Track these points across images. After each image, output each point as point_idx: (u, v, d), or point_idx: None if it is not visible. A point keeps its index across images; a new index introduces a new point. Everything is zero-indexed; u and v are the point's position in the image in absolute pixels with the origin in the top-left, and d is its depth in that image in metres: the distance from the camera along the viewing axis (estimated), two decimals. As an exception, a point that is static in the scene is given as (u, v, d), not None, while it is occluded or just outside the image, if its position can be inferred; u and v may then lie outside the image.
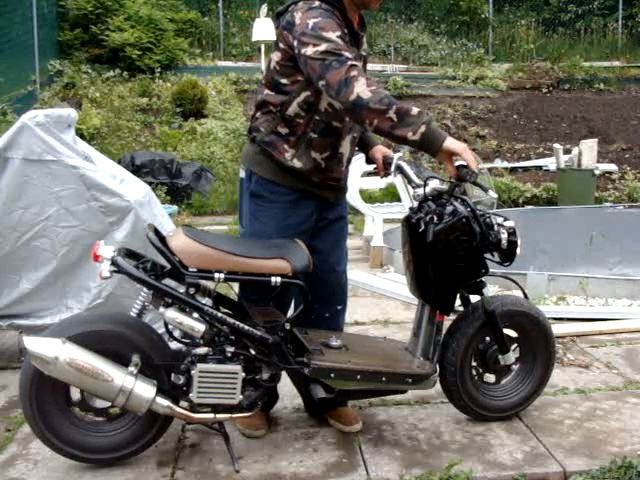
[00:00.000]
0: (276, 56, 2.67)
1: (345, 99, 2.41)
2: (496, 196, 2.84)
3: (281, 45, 2.64)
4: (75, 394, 2.62)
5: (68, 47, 12.01)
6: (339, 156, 2.76)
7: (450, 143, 2.47)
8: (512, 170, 10.06)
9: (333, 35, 2.46)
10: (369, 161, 3.10)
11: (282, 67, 2.65)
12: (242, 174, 2.88)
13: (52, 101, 10.12)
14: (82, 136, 7.37)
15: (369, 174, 8.26)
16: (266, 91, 2.70)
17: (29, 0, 10.69)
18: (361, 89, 2.39)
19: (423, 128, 2.41)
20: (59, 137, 3.35)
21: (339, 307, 3.00)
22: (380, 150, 3.03)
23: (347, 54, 2.44)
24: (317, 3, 2.58)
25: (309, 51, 2.47)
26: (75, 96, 10.77)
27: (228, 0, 14.73)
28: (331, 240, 2.91)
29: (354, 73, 2.41)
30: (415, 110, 2.42)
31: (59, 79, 11.27)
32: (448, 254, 2.75)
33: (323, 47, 2.44)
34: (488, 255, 2.85)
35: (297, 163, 2.69)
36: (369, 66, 11.26)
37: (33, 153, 3.30)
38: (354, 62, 2.44)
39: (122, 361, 2.55)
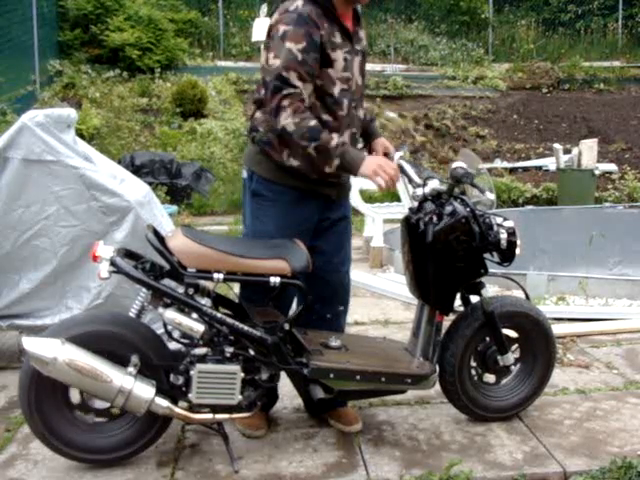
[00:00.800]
0: (265, 55, 2.68)
1: (275, 124, 2.57)
2: (494, 196, 2.85)
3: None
4: (75, 395, 2.62)
5: (68, 47, 12.00)
6: None
7: (364, 169, 2.56)
8: (512, 170, 10.06)
9: (295, 47, 2.51)
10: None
11: None
12: (244, 174, 2.89)
13: (52, 101, 10.11)
14: (82, 136, 7.36)
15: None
16: (262, 90, 2.70)
17: (29, 0, 10.68)
18: (287, 121, 2.51)
19: (337, 161, 2.56)
20: (59, 137, 3.35)
21: (341, 308, 3.00)
22: (381, 143, 3.00)
23: (292, 78, 2.50)
24: (296, 5, 2.59)
25: (269, 60, 2.57)
26: (75, 96, 10.77)
27: (228, 0, 14.73)
28: (335, 240, 2.91)
29: (285, 103, 2.50)
30: (333, 143, 2.53)
31: (59, 79, 11.26)
32: (447, 254, 2.75)
33: (278, 62, 2.53)
34: (488, 255, 2.85)
35: (294, 162, 2.69)
36: (369, 66, 11.19)
37: (33, 153, 3.30)
38: (291, 90, 2.51)
39: (121, 362, 2.55)
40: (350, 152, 2.58)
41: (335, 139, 2.55)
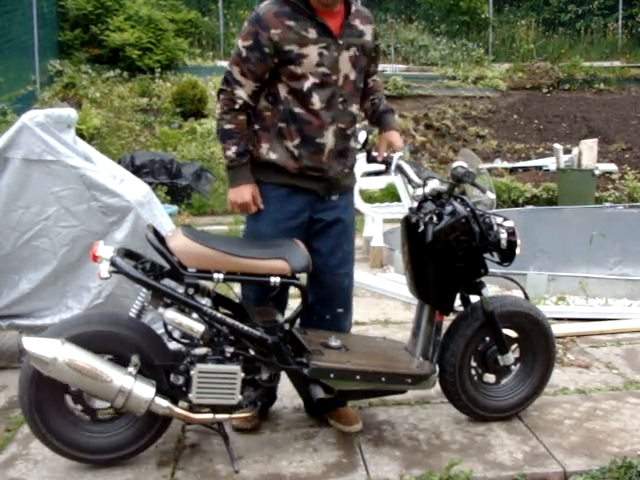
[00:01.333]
0: None
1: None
2: (494, 196, 2.84)
3: None
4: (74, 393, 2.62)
5: (68, 47, 11.99)
6: (318, 145, 2.74)
7: (230, 194, 2.78)
8: (512, 170, 10.05)
9: (242, 44, 2.69)
10: (369, 160, 3.09)
11: None
12: None
13: (52, 101, 10.10)
14: (82, 136, 7.35)
15: (369, 174, 8.29)
16: None
17: (29, 0, 10.68)
18: (217, 117, 2.77)
19: (225, 169, 2.83)
20: (59, 137, 3.35)
21: (340, 310, 2.97)
22: (386, 139, 2.98)
23: (234, 72, 2.70)
24: (263, 4, 2.73)
25: (232, 53, 2.79)
26: (75, 96, 10.76)
27: (228, 0, 14.72)
28: (330, 243, 2.89)
29: (220, 98, 2.74)
30: (228, 153, 2.73)
31: (59, 79, 11.25)
32: (447, 254, 2.75)
33: (231, 59, 2.74)
34: (488, 255, 2.85)
35: (273, 155, 2.74)
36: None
37: (33, 153, 3.30)
38: (226, 87, 2.71)
39: (121, 362, 2.55)
40: (236, 172, 2.74)
41: (231, 150, 2.71)
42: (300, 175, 2.76)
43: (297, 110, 2.70)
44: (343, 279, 2.94)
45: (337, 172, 2.83)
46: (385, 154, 2.96)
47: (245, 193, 2.74)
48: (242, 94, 2.69)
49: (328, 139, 2.75)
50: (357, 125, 2.90)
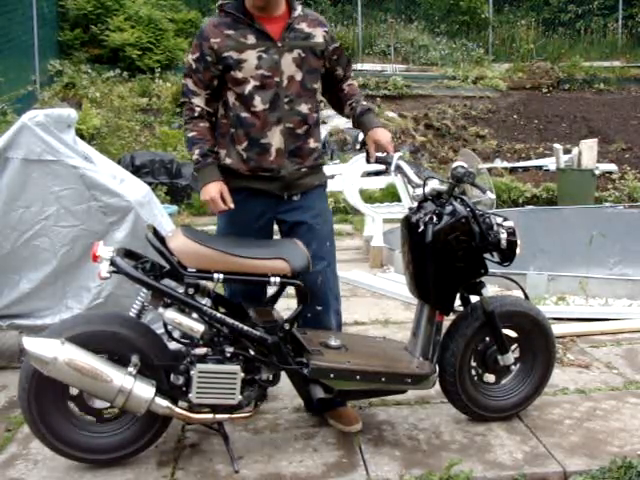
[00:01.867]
0: None
1: None
2: (494, 196, 2.85)
3: None
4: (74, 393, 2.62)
5: (68, 47, 12.00)
6: (263, 146, 2.83)
7: (202, 193, 2.85)
8: (512, 170, 10.05)
9: (191, 57, 2.87)
10: (369, 161, 3.09)
11: None
12: None
13: (52, 101, 10.10)
14: (82, 136, 7.35)
15: (369, 174, 8.29)
16: None
17: (29, 0, 10.68)
18: (183, 128, 2.93)
19: (196, 174, 2.95)
20: (59, 137, 3.35)
21: (319, 308, 2.95)
22: (373, 138, 2.96)
23: (189, 84, 2.86)
24: (206, 19, 2.92)
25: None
26: (75, 96, 10.76)
27: (228, 0, 14.71)
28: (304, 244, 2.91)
29: (183, 110, 2.90)
30: (193, 157, 2.86)
31: (59, 79, 11.25)
32: (447, 254, 2.75)
33: (184, 73, 2.92)
34: (488, 255, 2.85)
35: (228, 160, 2.88)
36: (369, 66, 11.11)
37: (33, 153, 3.30)
38: (185, 99, 2.89)
39: (121, 361, 2.55)
40: (202, 172, 2.85)
41: (195, 154, 2.84)
42: (253, 177, 2.87)
43: (243, 114, 2.83)
44: (316, 277, 2.91)
45: (291, 171, 2.87)
46: (378, 153, 2.96)
47: (212, 190, 2.81)
48: (199, 102, 2.85)
49: (274, 139, 2.83)
50: (312, 124, 2.92)
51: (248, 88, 2.80)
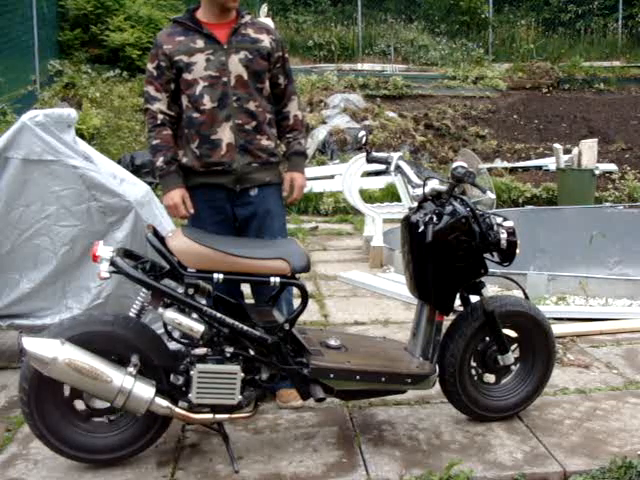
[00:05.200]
0: None
1: None
2: (494, 196, 2.85)
3: None
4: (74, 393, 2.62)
5: (68, 47, 11.99)
6: (214, 142, 3.00)
7: (164, 199, 3.05)
8: (512, 170, 10.04)
9: (150, 66, 3.05)
10: (369, 161, 3.10)
11: None
12: None
13: (52, 101, 10.10)
14: (82, 136, 7.35)
15: (369, 174, 8.29)
16: None
17: (29, 0, 10.67)
18: (147, 135, 3.09)
19: (159, 180, 3.09)
20: (59, 137, 3.36)
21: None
22: (291, 176, 3.18)
23: (150, 90, 3.02)
24: (163, 30, 3.14)
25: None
26: (75, 96, 10.75)
27: (228, 0, 14.70)
28: (251, 236, 3.09)
29: (145, 119, 3.09)
30: (157, 164, 3.03)
31: (59, 79, 11.25)
32: (447, 254, 2.75)
33: (145, 81, 3.10)
34: (488, 255, 2.85)
35: (184, 159, 3.05)
36: (369, 66, 11.10)
37: (33, 153, 3.30)
38: (147, 106, 3.04)
39: (121, 362, 2.55)
40: (166, 179, 3.03)
41: (159, 161, 3.01)
42: (207, 172, 3.03)
43: (194, 115, 3.00)
44: None
45: (242, 165, 3.03)
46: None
47: (174, 196, 3.01)
48: (160, 107, 3.01)
49: (224, 135, 3.00)
50: (262, 121, 3.06)
51: (198, 89, 2.98)
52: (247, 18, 3.10)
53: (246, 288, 3.09)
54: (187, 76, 2.98)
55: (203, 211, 3.06)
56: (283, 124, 3.20)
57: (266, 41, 3.08)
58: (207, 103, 2.97)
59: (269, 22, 10.09)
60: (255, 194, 3.08)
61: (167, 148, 3.01)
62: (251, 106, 3.03)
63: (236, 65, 2.99)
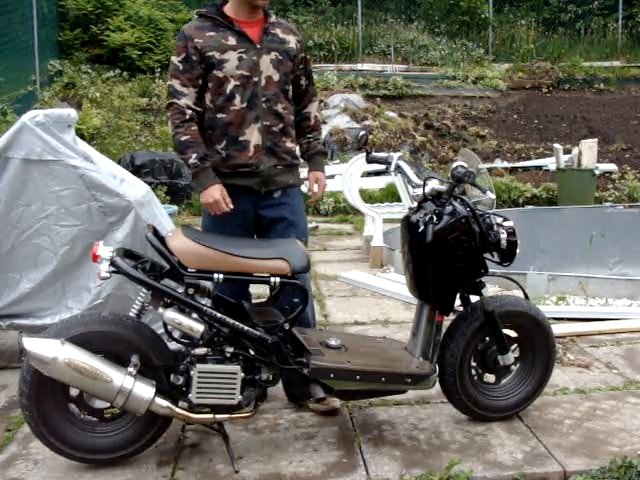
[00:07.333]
0: None
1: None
2: (494, 196, 2.85)
3: None
4: (74, 393, 2.62)
5: (68, 47, 12.00)
6: (242, 143, 2.95)
7: (202, 196, 2.93)
8: (512, 170, 10.05)
9: (176, 59, 2.94)
10: (369, 161, 3.11)
11: None
12: None
13: (52, 101, 10.11)
14: (82, 136, 7.35)
15: (369, 174, 8.29)
16: None
17: (29, 0, 10.67)
18: (170, 132, 2.97)
19: (192, 178, 2.99)
20: (59, 137, 3.36)
21: (295, 300, 2.94)
22: (315, 176, 3.19)
23: (176, 85, 2.91)
24: (187, 24, 3.01)
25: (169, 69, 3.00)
26: (75, 96, 10.76)
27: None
28: (275, 238, 3.02)
29: (169, 114, 2.94)
30: (190, 161, 2.89)
31: (59, 79, 11.25)
32: (447, 254, 2.75)
33: (170, 75, 2.96)
34: (488, 255, 2.85)
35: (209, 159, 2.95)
36: (369, 66, 11.14)
37: (33, 153, 3.30)
38: (174, 100, 2.91)
39: (121, 362, 2.55)
40: (201, 176, 2.90)
41: (192, 158, 2.88)
42: (232, 174, 2.97)
43: (219, 115, 2.94)
44: None
45: (268, 167, 2.99)
46: (313, 190, 3.18)
47: (214, 192, 2.90)
48: (187, 102, 2.91)
49: (252, 136, 2.95)
50: (287, 123, 3.04)
51: (229, 87, 2.91)
52: (273, 17, 3.06)
53: (255, 289, 3.10)
54: (218, 73, 2.91)
55: (225, 213, 2.97)
56: (303, 124, 3.18)
57: (292, 42, 3.06)
58: (237, 103, 2.91)
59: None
60: (279, 195, 3.05)
61: (198, 144, 2.91)
62: (279, 108, 3.00)
63: (267, 66, 2.96)
